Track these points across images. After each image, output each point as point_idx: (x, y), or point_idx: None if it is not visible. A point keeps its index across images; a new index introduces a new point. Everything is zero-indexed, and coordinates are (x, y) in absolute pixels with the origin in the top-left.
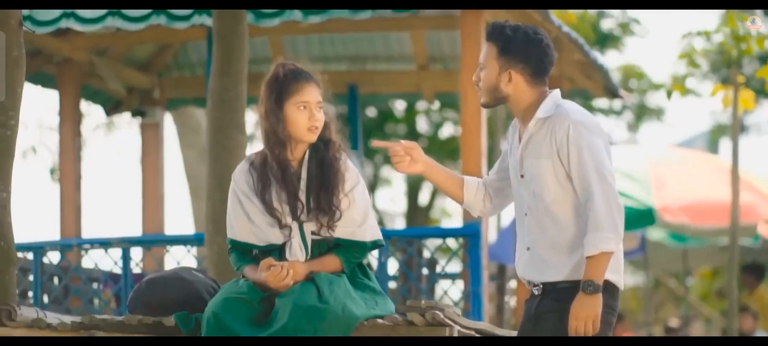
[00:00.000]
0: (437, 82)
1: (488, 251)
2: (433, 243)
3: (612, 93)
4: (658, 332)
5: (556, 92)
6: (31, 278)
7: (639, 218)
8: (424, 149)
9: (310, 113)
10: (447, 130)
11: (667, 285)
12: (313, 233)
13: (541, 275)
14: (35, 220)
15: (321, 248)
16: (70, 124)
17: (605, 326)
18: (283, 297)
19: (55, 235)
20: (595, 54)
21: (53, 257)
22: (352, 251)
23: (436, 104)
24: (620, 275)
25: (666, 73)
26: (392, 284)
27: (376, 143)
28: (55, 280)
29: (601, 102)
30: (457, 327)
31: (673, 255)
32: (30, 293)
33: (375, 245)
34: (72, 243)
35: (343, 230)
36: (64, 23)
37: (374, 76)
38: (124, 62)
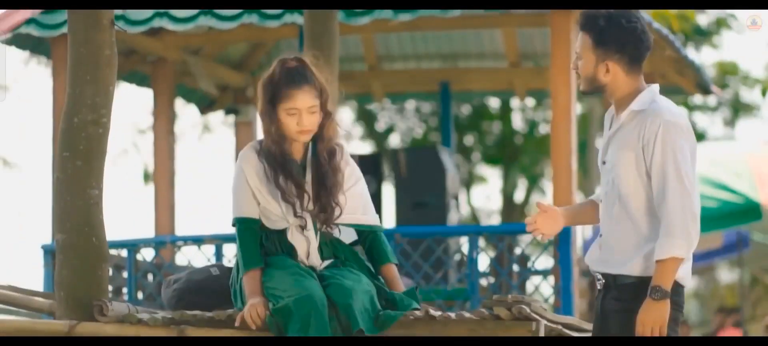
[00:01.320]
0: (529, 79)
1: (583, 247)
2: (524, 239)
3: (704, 89)
4: (755, 328)
5: (655, 86)
6: (125, 274)
7: (746, 213)
8: (519, 147)
9: (298, 119)
10: (543, 128)
11: (764, 282)
12: (315, 226)
13: (604, 266)
14: (131, 218)
15: (324, 239)
16: (164, 122)
17: (672, 323)
18: (336, 290)
19: (150, 233)
20: (687, 50)
21: (147, 254)
22: (384, 243)
23: (531, 102)
24: (686, 272)
25: (763, 69)
26: (483, 281)
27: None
28: (149, 277)
29: (696, 98)
30: (544, 322)
31: None
32: (124, 290)
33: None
34: (166, 240)
35: (347, 217)
36: (157, 23)
37: (466, 74)
38: (218, 61)
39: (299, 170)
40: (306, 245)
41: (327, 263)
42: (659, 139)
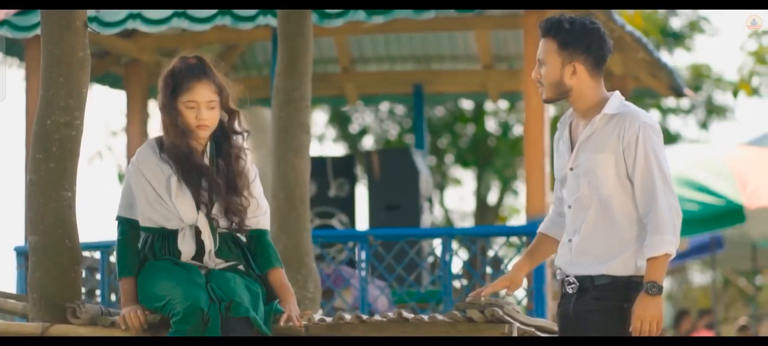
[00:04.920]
0: (502, 81)
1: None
2: (497, 242)
3: (677, 92)
4: (728, 330)
5: (618, 92)
6: (98, 276)
7: (728, 215)
8: (493, 149)
9: (197, 112)
10: (517, 130)
11: (736, 284)
12: (223, 228)
13: (579, 269)
14: (103, 220)
15: (224, 238)
16: (138, 123)
17: None
18: (220, 283)
19: None
20: (660, 53)
21: None
22: (271, 246)
23: (505, 104)
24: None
25: (735, 72)
26: (456, 283)
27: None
28: None
29: (669, 101)
30: (517, 324)
31: (743, 254)
32: (97, 292)
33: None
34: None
35: (251, 221)
36: (131, 24)
37: (439, 76)
38: None
39: (201, 168)
40: (203, 246)
41: (226, 265)
42: (640, 143)
